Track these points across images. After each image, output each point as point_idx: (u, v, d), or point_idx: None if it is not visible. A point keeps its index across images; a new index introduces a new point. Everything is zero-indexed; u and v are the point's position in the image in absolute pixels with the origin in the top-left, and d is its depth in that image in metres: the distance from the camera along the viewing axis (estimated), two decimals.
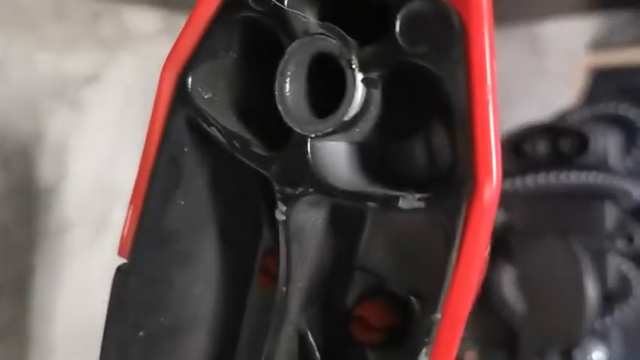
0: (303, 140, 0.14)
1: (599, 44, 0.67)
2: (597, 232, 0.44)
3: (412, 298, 0.16)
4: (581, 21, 0.66)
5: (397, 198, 0.13)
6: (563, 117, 0.49)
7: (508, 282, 0.48)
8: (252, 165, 0.15)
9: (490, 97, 0.12)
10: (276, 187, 0.14)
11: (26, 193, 0.53)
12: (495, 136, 0.12)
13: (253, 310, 0.19)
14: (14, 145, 0.53)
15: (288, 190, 0.14)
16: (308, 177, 0.14)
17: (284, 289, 0.15)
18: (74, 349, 0.55)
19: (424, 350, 0.13)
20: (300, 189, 0.14)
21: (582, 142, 0.44)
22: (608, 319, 0.45)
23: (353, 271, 0.17)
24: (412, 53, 0.13)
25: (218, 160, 0.17)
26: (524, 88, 0.69)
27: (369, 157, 0.15)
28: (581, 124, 0.46)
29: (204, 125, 0.16)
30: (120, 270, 0.18)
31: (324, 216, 0.15)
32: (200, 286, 0.19)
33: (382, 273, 0.17)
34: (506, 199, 0.46)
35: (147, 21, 0.58)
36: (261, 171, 0.15)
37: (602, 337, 0.46)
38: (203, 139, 0.16)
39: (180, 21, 0.62)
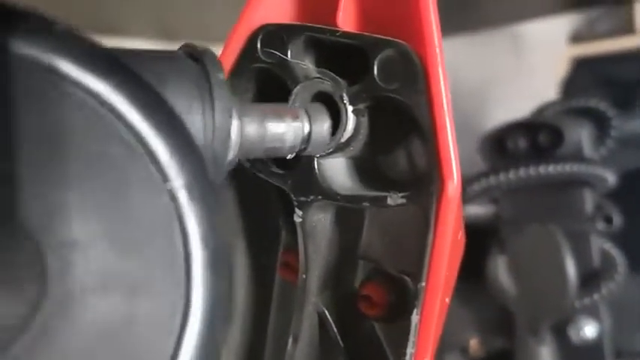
0: (310, 160, 0.18)
1: (578, 37, 0.70)
2: (578, 217, 0.48)
3: (404, 277, 0.21)
4: (561, 18, 0.69)
5: (385, 197, 0.17)
6: (540, 112, 0.53)
7: (502, 269, 0.52)
8: (272, 181, 0.19)
9: (447, 117, 0.16)
10: (293, 197, 0.19)
11: None
12: (454, 146, 0.16)
13: (278, 300, 0.23)
14: None
15: (302, 199, 0.19)
16: (317, 187, 0.18)
17: (304, 276, 0.20)
18: None
19: (415, 311, 0.17)
20: (312, 197, 0.18)
21: (558, 136, 0.48)
22: (596, 296, 0.48)
23: (357, 260, 0.22)
24: (387, 89, 0.17)
25: (243, 181, 0.21)
26: (510, 86, 0.73)
27: (362, 167, 0.19)
28: (556, 118, 0.50)
29: None
30: None
31: (330, 217, 0.20)
32: (234, 283, 0.23)
33: (379, 259, 0.21)
34: (493, 194, 0.50)
35: None
36: (280, 185, 0.19)
37: (592, 312, 0.50)
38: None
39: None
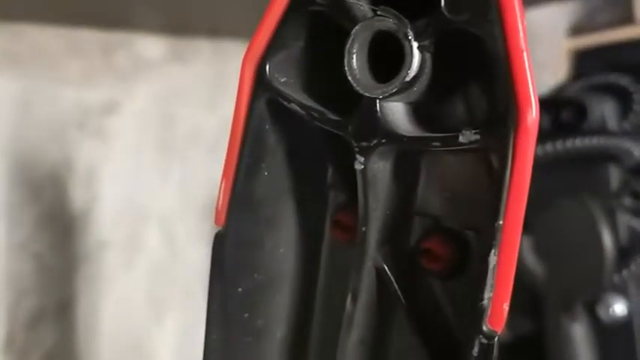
0: (372, 102, 0.18)
1: (579, 28, 0.70)
2: (604, 192, 0.47)
3: (467, 232, 0.20)
4: (561, 7, 0.69)
5: (457, 135, 0.17)
6: (560, 90, 0.53)
7: (527, 250, 0.51)
8: (330, 129, 0.19)
9: (523, 46, 0.15)
10: (354, 144, 0.18)
11: (59, 220, 0.56)
12: (531, 75, 0.15)
13: (328, 261, 0.23)
14: (44, 175, 0.56)
15: (364, 144, 0.18)
16: (380, 130, 0.17)
17: (363, 229, 0.19)
18: None
19: (492, 251, 0.16)
20: (375, 141, 0.18)
21: (581, 111, 0.48)
22: (625, 273, 0.48)
23: (414, 217, 0.21)
24: (457, 21, 0.16)
25: (294, 134, 0.20)
26: None
27: (423, 113, 0.19)
28: (578, 95, 0.50)
29: (285, 103, 0.19)
30: (218, 236, 0.21)
31: (390, 168, 0.19)
32: (284, 245, 0.22)
33: (439, 214, 0.20)
34: None
35: (157, 48, 0.62)
36: (339, 132, 0.18)
37: (621, 290, 0.49)
38: (281, 117, 0.20)
39: (187, 47, 0.65)
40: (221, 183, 0.21)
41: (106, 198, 0.58)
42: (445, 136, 0.17)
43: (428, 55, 0.17)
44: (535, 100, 0.15)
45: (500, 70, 0.16)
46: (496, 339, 0.16)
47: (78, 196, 0.58)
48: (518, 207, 0.16)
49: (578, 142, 0.44)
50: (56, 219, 0.56)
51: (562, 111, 0.49)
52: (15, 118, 0.53)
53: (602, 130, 0.46)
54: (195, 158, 0.64)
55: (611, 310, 0.49)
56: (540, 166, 0.48)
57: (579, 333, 0.47)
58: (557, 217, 0.46)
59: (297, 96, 0.19)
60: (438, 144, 0.17)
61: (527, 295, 0.52)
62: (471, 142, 0.16)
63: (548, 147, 0.45)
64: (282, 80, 0.19)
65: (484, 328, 0.16)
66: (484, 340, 0.16)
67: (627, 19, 0.67)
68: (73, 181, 0.57)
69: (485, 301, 0.16)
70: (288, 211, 0.22)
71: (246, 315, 0.21)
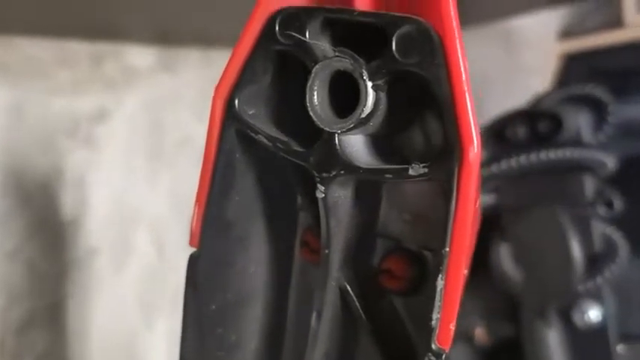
0: (331, 136, 0.19)
1: (568, 33, 0.71)
2: (579, 202, 0.49)
3: (425, 252, 0.21)
4: (551, 12, 0.70)
5: (407, 168, 0.18)
6: (537, 101, 0.54)
7: (505, 257, 0.52)
8: (293, 160, 0.20)
9: (466, 88, 0.17)
10: (315, 174, 0.19)
11: (50, 226, 0.57)
12: (473, 114, 0.17)
13: (298, 280, 0.24)
14: (35, 183, 0.57)
15: (325, 175, 0.19)
16: (339, 162, 0.19)
17: (326, 251, 0.20)
18: None
19: (440, 276, 0.18)
20: (334, 172, 0.19)
21: (557, 123, 0.49)
22: (599, 279, 0.49)
23: (375, 238, 0.22)
24: (406, 63, 0.18)
25: (262, 161, 0.22)
26: (500, 82, 0.74)
27: (381, 144, 0.20)
28: (554, 106, 0.51)
29: (252, 134, 0.20)
30: (192, 257, 0.22)
31: (351, 194, 0.20)
32: (255, 264, 0.23)
33: (399, 236, 0.22)
34: (495, 182, 0.51)
35: (146, 58, 0.63)
36: (302, 163, 0.20)
37: (596, 296, 0.50)
38: (250, 146, 0.21)
39: (176, 56, 0.66)
40: (194, 207, 0.22)
41: (96, 205, 0.59)
42: (397, 168, 0.18)
43: (382, 94, 0.18)
44: (477, 138, 0.17)
45: (446, 109, 0.17)
46: (444, 356, 0.18)
47: (68, 202, 0.58)
48: (462, 235, 0.17)
49: (552, 155, 0.45)
50: (47, 225, 0.57)
51: (538, 122, 0.50)
52: (6, 127, 0.54)
53: (576, 142, 0.47)
54: (185, 165, 0.65)
55: (585, 316, 0.50)
56: (518, 176, 0.50)
57: (554, 339, 0.48)
58: (531, 225, 0.48)
59: (264, 127, 0.21)
60: (390, 176, 0.18)
61: (506, 301, 0.54)
62: (419, 175, 0.18)
63: (524, 158, 0.46)
64: (250, 112, 0.21)
65: (433, 346, 0.18)
66: (433, 358, 0.18)
67: (617, 22, 0.68)
68: (64, 188, 0.58)
69: (434, 321, 0.18)
70: (260, 232, 0.23)
71: (219, 330, 0.23)
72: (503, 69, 0.74)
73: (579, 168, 0.48)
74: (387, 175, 0.18)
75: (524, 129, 0.50)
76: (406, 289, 0.21)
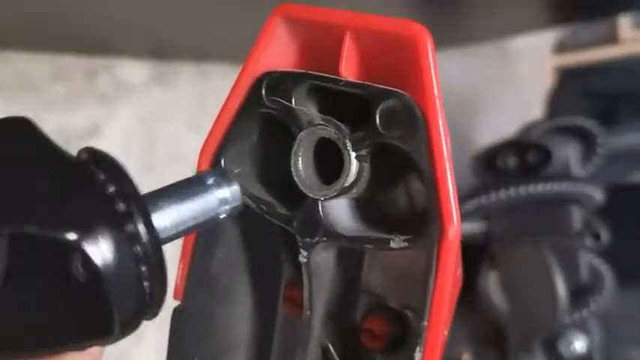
0: (315, 202, 0.19)
1: (564, 46, 0.72)
2: (567, 233, 0.49)
3: (406, 310, 0.21)
4: (546, 31, 0.71)
5: (388, 240, 0.18)
6: (527, 131, 0.55)
7: (493, 285, 0.52)
8: (277, 222, 0.20)
9: (447, 165, 0.17)
10: (298, 238, 0.19)
11: None
12: (453, 191, 0.17)
13: (281, 333, 0.24)
14: None
15: (307, 240, 0.19)
16: (321, 229, 0.19)
17: (308, 312, 0.20)
18: None
19: (417, 348, 0.18)
20: (316, 238, 0.19)
21: (546, 154, 0.50)
22: (585, 311, 0.50)
23: (358, 295, 0.22)
24: (389, 136, 0.18)
25: (248, 219, 0.22)
26: (496, 97, 0.74)
27: (364, 208, 0.20)
28: (544, 137, 0.52)
29: None
30: (176, 310, 0.22)
31: (333, 256, 0.21)
32: (239, 316, 0.23)
33: (381, 293, 0.22)
34: (485, 212, 0.51)
35: (139, 72, 0.63)
36: (285, 226, 0.20)
37: (582, 327, 0.51)
38: None
39: (169, 70, 0.66)
40: (179, 263, 0.22)
41: None
42: (378, 239, 0.18)
43: (365, 164, 0.19)
44: (457, 215, 0.17)
45: (427, 183, 0.17)
46: None
47: None
48: (440, 307, 0.17)
49: (540, 188, 0.46)
50: None
51: (528, 153, 0.50)
52: None
53: (565, 176, 0.48)
54: (178, 179, 0.65)
55: (571, 346, 0.50)
56: (507, 207, 0.50)
57: None
58: (518, 257, 0.48)
59: (249, 187, 0.21)
60: (370, 246, 0.19)
61: (493, 328, 0.54)
62: (400, 248, 0.18)
63: (513, 191, 0.46)
64: (236, 171, 0.21)
65: None
66: None
67: (611, 38, 0.69)
68: None
69: None
70: (244, 286, 0.23)
71: None
72: (498, 84, 0.75)
73: (567, 200, 0.49)
74: (368, 246, 0.19)
75: (514, 159, 0.51)
76: (387, 347, 0.21)
